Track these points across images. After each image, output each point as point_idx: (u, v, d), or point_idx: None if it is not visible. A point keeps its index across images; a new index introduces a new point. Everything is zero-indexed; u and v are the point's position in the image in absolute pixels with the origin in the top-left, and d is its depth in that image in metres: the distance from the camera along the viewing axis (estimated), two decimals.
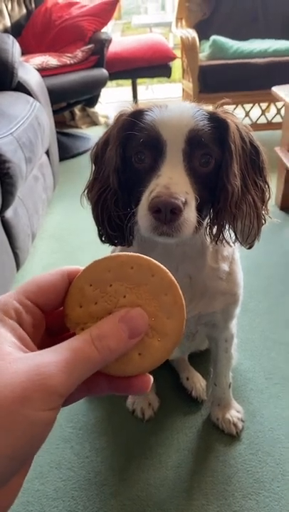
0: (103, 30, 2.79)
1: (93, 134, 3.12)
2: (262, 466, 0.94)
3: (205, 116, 0.65)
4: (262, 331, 1.30)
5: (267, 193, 0.70)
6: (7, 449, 0.26)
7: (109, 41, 2.68)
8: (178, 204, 0.58)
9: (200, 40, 2.54)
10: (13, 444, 0.26)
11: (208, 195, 0.66)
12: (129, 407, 1.08)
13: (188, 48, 2.48)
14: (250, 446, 0.98)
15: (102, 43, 2.62)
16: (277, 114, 2.66)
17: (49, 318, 0.35)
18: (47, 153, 1.93)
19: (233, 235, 0.70)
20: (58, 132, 2.50)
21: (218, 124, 0.65)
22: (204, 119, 0.64)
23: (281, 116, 2.55)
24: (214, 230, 0.68)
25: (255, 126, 2.71)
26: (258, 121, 2.70)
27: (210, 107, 0.69)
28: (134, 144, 0.65)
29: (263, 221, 0.70)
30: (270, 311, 1.37)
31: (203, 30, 2.77)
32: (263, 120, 2.70)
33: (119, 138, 0.67)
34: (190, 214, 0.61)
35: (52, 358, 0.29)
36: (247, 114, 2.69)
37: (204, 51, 2.67)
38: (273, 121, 2.67)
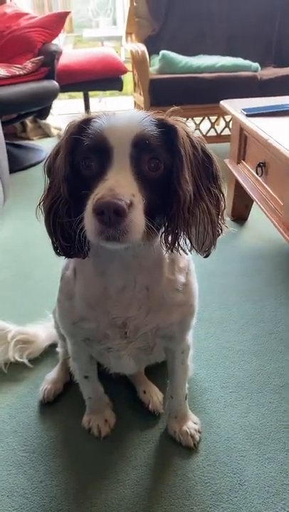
0: (55, 42, 2.77)
1: (45, 146, 3.07)
2: (220, 477, 0.94)
3: (153, 122, 0.65)
4: (217, 340, 1.31)
5: (222, 202, 0.71)
6: None
7: (59, 53, 2.66)
8: (121, 205, 0.57)
9: (150, 55, 2.58)
10: None
11: (160, 201, 0.65)
12: (85, 425, 1.04)
13: (138, 62, 2.52)
14: (208, 458, 0.98)
15: (52, 55, 2.60)
16: (226, 127, 2.75)
17: None
18: None
19: (188, 242, 0.70)
20: (8, 143, 2.43)
21: (168, 130, 0.65)
22: (152, 124, 0.64)
23: (230, 129, 2.63)
24: (169, 238, 0.68)
25: (206, 138, 2.76)
26: (208, 134, 2.78)
27: (161, 115, 0.68)
28: (82, 150, 0.64)
29: (219, 230, 0.70)
30: (224, 320, 1.39)
31: (153, 45, 2.83)
32: (212, 133, 2.78)
33: (68, 146, 0.66)
34: (137, 217, 0.60)
35: None
36: (197, 126, 2.75)
37: (154, 65, 2.72)
38: (222, 133, 2.75)
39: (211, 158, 0.69)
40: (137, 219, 0.60)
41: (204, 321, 1.37)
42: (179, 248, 0.68)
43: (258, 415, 1.07)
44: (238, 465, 0.96)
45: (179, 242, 0.68)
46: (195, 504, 0.89)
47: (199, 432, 1.02)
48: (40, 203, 0.73)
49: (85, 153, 0.64)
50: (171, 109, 0.72)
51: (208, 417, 1.07)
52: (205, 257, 0.74)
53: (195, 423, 1.03)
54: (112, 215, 0.57)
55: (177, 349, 0.93)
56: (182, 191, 0.64)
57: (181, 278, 0.79)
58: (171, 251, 0.69)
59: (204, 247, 0.71)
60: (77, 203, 0.66)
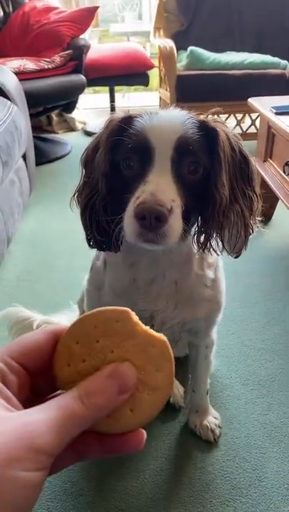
0: (82, 37, 2.79)
1: (70, 140, 3.10)
2: (239, 472, 0.95)
3: (194, 124, 0.65)
4: (238, 337, 1.31)
5: (255, 203, 0.71)
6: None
7: (87, 47, 2.68)
8: (163, 211, 0.57)
9: (177, 51, 2.57)
10: (4, 505, 0.25)
11: (195, 203, 0.66)
12: None
13: (166, 57, 2.51)
14: (228, 453, 0.99)
15: (81, 49, 2.62)
16: (251, 125, 2.73)
17: (35, 380, 0.34)
18: (23, 157, 1.90)
19: (220, 243, 0.70)
20: (34, 137, 2.47)
21: (208, 133, 0.65)
22: (194, 126, 0.64)
23: (256, 127, 2.61)
24: (201, 239, 0.68)
25: None
26: (234, 132, 2.75)
27: (201, 116, 0.69)
28: (123, 149, 0.64)
29: (251, 231, 0.70)
30: (246, 318, 1.39)
31: (181, 41, 2.82)
32: (238, 130, 2.76)
33: (109, 143, 0.67)
34: (176, 222, 0.60)
35: (39, 416, 0.28)
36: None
37: (182, 61, 2.71)
38: (248, 131, 2.72)
39: (248, 160, 0.70)
40: (176, 224, 0.60)
41: (226, 319, 1.36)
42: (211, 249, 0.69)
43: (279, 414, 1.07)
44: (258, 461, 0.97)
45: (211, 243, 0.69)
46: (214, 497, 0.90)
47: (219, 427, 1.03)
48: (74, 195, 0.74)
49: (126, 153, 0.64)
50: (213, 110, 0.72)
51: (228, 413, 1.07)
52: (235, 258, 0.74)
53: (215, 418, 1.03)
54: (153, 221, 0.58)
55: (201, 344, 0.94)
56: (219, 195, 0.64)
57: (210, 274, 0.80)
58: (203, 251, 0.70)
59: (236, 249, 0.71)
60: (115, 201, 0.67)
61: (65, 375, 0.33)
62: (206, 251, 0.69)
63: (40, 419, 0.27)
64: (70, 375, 0.33)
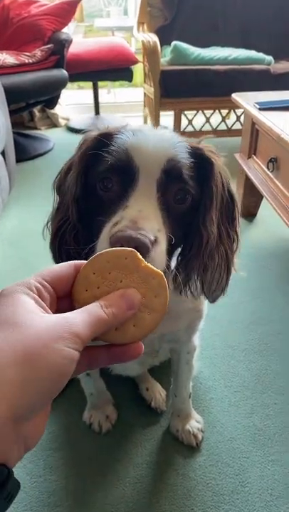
0: (65, 31, 2.73)
1: (53, 136, 3.04)
2: (222, 477, 0.92)
3: (187, 149, 0.59)
4: (222, 338, 1.29)
5: (236, 245, 0.67)
6: (50, 379, 0.34)
7: (69, 42, 2.62)
8: (145, 242, 0.48)
9: (161, 46, 2.53)
10: (54, 374, 0.34)
11: (178, 237, 0.59)
12: (86, 420, 1.03)
13: (150, 52, 2.47)
14: (210, 458, 0.96)
15: (62, 44, 2.56)
16: (237, 121, 2.70)
17: (59, 303, 0.43)
18: (2, 153, 1.85)
19: (199, 286, 0.64)
20: (15, 133, 2.41)
21: (201, 162, 0.60)
22: (186, 151, 0.59)
23: (241, 123, 2.59)
24: (180, 279, 0.62)
25: (216, 132, 2.73)
26: (218, 128, 2.73)
27: (193, 142, 0.63)
28: (101, 169, 0.57)
29: (230, 275, 0.67)
30: (231, 318, 1.37)
31: (165, 36, 2.77)
32: (223, 127, 2.73)
33: (82, 163, 0.61)
34: (159, 256, 0.51)
35: (74, 315, 0.38)
36: (207, 120, 2.71)
37: (166, 56, 2.67)
38: (233, 128, 2.70)
39: (234, 199, 0.66)
40: (159, 258, 0.52)
41: (210, 319, 1.34)
42: (188, 291, 0.63)
43: (262, 416, 1.05)
44: (241, 466, 0.94)
45: (189, 285, 0.63)
46: (195, 505, 0.88)
47: (202, 431, 1.00)
48: (47, 223, 0.69)
49: (104, 172, 0.57)
50: (204, 136, 0.67)
51: (211, 417, 1.05)
52: (211, 302, 0.70)
53: (198, 422, 1.01)
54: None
55: (183, 349, 0.91)
56: (206, 233, 0.59)
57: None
58: (180, 293, 0.64)
59: (215, 293, 0.67)
60: (88, 229, 0.61)
61: (83, 298, 0.42)
62: (182, 293, 0.63)
63: (76, 317, 0.37)
64: (88, 298, 0.42)
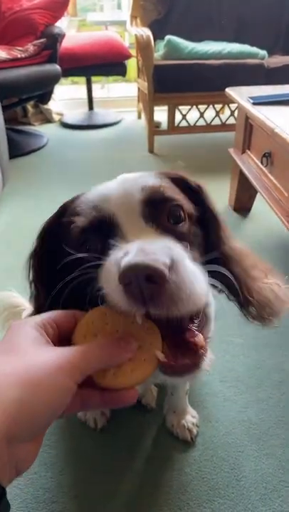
0: (57, 25, 2.70)
1: (47, 132, 3.02)
2: (217, 472, 0.92)
3: (161, 176, 0.57)
4: (217, 333, 1.29)
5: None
6: (47, 404, 0.36)
7: (62, 36, 2.60)
8: (157, 268, 0.39)
9: (155, 40, 2.51)
10: (51, 400, 0.36)
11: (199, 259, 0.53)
12: (81, 417, 1.02)
13: (143, 47, 2.45)
14: (205, 452, 0.96)
15: (55, 38, 2.53)
16: (231, 115, 2.70)
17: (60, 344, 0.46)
18: None
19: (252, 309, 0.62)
20: (8, 129, 2.39)
21: (184, 188, 0.59)
22: (161, 178, 0.56)
23: (235, 118, 2.58)
24: (237, 300, 0.60)
25: (210, 127, 2.73)
26: (212, 123, 2.72)
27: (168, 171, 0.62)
28: (74, 237, 0.52)
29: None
30: (224, 313, 1.37)
31: (158, 30, 2.76)
32: (217, 122, 2.73)
33: (40, 254, 0.59)
34: (189, 274, 0.42)
35: (74, 348, 0.41)
36: (202, 115, 2.70)
37: (159, 51, 2.66)
38: (227, 122, 2.69)
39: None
40: (189, 277, 0.42)
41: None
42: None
43: (257, 410, 1.05)
44: (236, 460, 0.94)
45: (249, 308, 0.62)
46: (191, 499, 0.88)
47: (197, 426, 1.00)
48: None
49: (79, 238, 0.51)
50: (175, 164, 0.66)
51: (206, 411, 1.05)
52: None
53: (193, 417, 1.01)
54: (144, 284, 0.39)
55: None
56: (230, 248, 0.59)
57: None
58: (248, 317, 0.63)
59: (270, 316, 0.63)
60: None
61: (82, 343, 0.45)
62: (248, 317, 0.61)
63: (76, 350, 0.41)
64: (85, 343, 0.45)
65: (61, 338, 0.46)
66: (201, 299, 0.43)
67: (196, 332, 0.50)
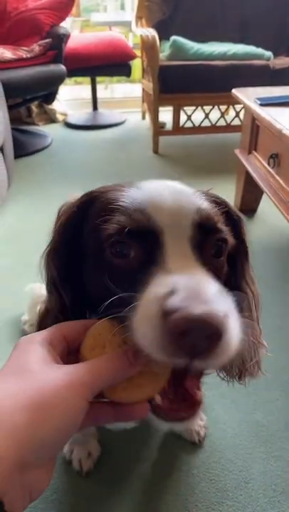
0: (62, 25, 2.70)
1: (51, 132, 3.02)
2: (225, 474, 0.92)
3: (207, 197, 0.52)
4: None
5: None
6: (59, 427, 0.35)
7: (67, 36, 2.60)
8: (220, 326, 0.34)
9: (160, 40, 2.51)
10: (63, 423, 0.35)
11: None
12: (67, 455, 0.93)
13: (148, 47, 2.45)
14: (213, 454, 0.96)
15: (61, 38, 2.54)
16: (236, 116, 2.69)
17: (68, 356, 0.46)
18: (1, 149, 1.83)
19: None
20: (13, 129, 2.38)
21: (228, 217, 0.55)
22: (207, 199, 0.51)
23: (240, 119, 2.58)
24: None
25: (215, 128, 2.72)
26: (218, 124, 2.72)
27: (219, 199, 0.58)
28: (110, 231, 0.46)
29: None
30: None
31: (163, 31, 2.75)
32: (222, 122, 2.72)
33: (62, 238, 0.55)
34: (235, 331, 0.37)
35: (81, 365, 0.40)
36: (206, 116, 2.70)
37: (164, 51, 2.66)
38: (232, 123, 2.69)
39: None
40: (235, 334, 0.38)
41: None
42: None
43: (265, 412, 1.05)
44: (244, 462, 0.94)
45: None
46: (199, 501, 0.87)
47: (205, 428, 1.00)
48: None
49: (115, 235, 0.46)
50: (210, 189, 0.58)
51: (214, 413, 1.05)
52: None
53: (201, 419, 1.00)
54: (202, 342, 0.35)
55: None
56: (252, 292, 0.57)
57: None
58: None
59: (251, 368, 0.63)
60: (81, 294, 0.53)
61: (90, 356, 0.44)
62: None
63: (84, 367, 0.40)
64: (94, 356, 0.44)
65: (70, 349, 0.45)
66: (234, 351, 0.38)
67: (199, 386, 0.50)
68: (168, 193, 0.48)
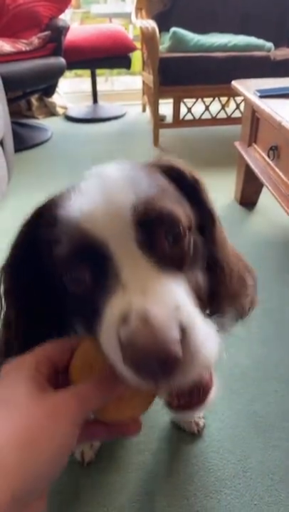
0: (61, 17, 2.69)
1: (51, 125, 3.02)
2: (223, 463, 0.93)
3: (151, 167, 0.50)
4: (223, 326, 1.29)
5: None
6: (51, 460, 0.35)
7: (66, 29, 2.58)
8: (171, 352, 0.34)
9: (160, 32, 2.50)
10: (54, 454, 0.35)
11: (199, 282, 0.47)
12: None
13: (148, 39, 2.44)
14: (212, 444, 0.97)
15: (60, 31, 2.52)
16: (236, 109, 2.68)
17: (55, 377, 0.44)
18: (1, 143, 1.83)
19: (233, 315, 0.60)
20: (13, 122, 2.38)
21: (178, 180, 0.51)
22: (150, 169, 0.49)
23: (240, 111, 2.57)
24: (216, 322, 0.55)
25: (215, 120, 2.71)
26: (218, 116, 2.71)
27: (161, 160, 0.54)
28: (60, 255, 0.43)
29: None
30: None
31: (163, 22, 2.73)
32: (222, 115, 2.71)
33: (16, 263, 0.51)
34: (198, 343, 0.36)
35: (70, 392, 0.40)
36: (207, 108, 2.69)
37: (164, 43, 2.64)
38: (233, 116, 2.68)
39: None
40: (203, 345, 0.37)
41: None
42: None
43: (264, 404, 1.06)
44: (243, 452, 0.95)
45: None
46: (197, 490, 0.89)
47: (203, 419, 1.01)
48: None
49: (65, 261, 0.43)
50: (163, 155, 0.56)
51: (213, 404, 1.06)
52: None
53: None
54: (156, 368, 0.35)
55: None
56: (226, 263, 0.53)
57: None
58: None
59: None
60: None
61: (79, 378, 0.44)
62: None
63: (72, 392, 0.39)
64: (83, 376, 0.43)
65: (58, 369, 0.44)
66: (212, 361, 0.38)
67: (211, 374, 0.50)
68: (100, 193, 0.43)
